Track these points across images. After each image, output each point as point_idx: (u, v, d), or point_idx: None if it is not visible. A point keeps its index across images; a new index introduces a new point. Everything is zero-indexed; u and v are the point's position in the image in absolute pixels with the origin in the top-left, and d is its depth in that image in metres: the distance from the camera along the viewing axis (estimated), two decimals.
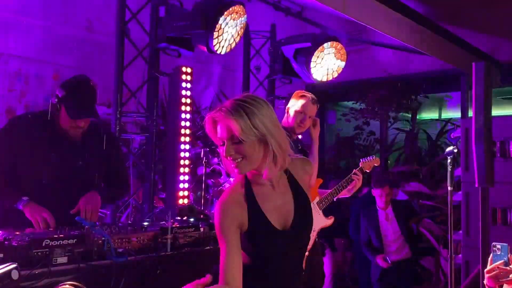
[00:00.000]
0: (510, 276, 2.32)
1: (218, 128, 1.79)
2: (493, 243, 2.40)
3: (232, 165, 1.78)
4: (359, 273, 5.41)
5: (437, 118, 8.82)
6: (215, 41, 3.77)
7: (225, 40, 3.88)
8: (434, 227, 4.83)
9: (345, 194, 3.72)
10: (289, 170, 1.91)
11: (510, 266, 2.33)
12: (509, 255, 2.33)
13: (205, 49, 3.82)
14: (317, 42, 4.64)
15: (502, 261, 2.32)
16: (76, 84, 2.86)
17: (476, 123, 3.76)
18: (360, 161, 3.76)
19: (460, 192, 4.41)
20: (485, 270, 2.35)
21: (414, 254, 4.80)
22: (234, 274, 1.73)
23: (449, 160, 3.00)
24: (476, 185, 3.95)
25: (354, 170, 3.71)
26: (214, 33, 3.74)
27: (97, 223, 2.67)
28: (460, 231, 4.36)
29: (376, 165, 3.81)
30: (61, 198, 2.76)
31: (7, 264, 0.94)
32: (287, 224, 1.86)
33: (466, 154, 4.32)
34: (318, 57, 4.67)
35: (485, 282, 2.39)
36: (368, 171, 3.79)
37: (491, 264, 2.34)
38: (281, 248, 1.85)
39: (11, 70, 4.99)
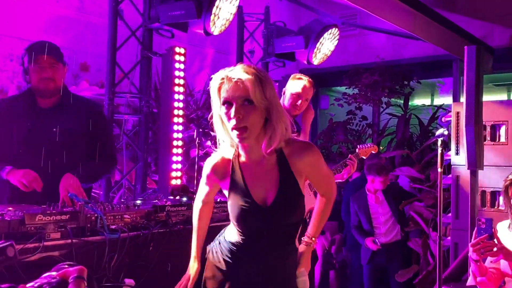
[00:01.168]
0: (494, 249, 2.38)
1: (229, 87, 1.75)
2: (478, 217, 2.45)
3: (234, 134, 1.78)
4: (351, 255, 5.47)
5: (430, 104, 8.87)
6: (211, 24, 3.76)
7: (220, 19, 3.87)
8: (423, 210, 4.88)
9: (338, 178, 3.74)
10: (282, 149, 1.90)
11: (494, 240, 2.39)
12: (493, 229, 2.39)
13: (201, 32, 3.80)
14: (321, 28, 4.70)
15: (487, 234, 2.38)
16: (36, 41, 2.92)
17: (467, 106, 3.80)
18: (357, 147, 3.72)
19: (450, 176, 4.45)
20: (470, 244, 2.41)
21: (404, 237, 4.87)
22: (210, 195, 2.15)
23: (439, 142, 3.03)
24: (467, 168, 4.01)
25: (350, 155, 3.66)
26: (211, 16, 3.72)
27: (90, 201, 2.68)
28: (449, 214, 4.42)
29: (373, 152, 3.79)
30: (41, 169, 2.74)
31: (2, 241, 0.94)
32: (267, 200, 1.88)
33: (457, 138, 4.36)
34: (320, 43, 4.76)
35: (469, 254, 2.45)
36: (364, 157, 3.78)
37: (475, 238, 2.40)
38: (256, 223, 1.90)
39: (3, 50, 4.95)
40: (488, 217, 2.42)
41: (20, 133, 2.82)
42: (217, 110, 1.83)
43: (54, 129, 2.83)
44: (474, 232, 2.42)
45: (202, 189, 2.14)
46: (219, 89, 1.79)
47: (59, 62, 2.86)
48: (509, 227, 2.71)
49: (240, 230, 1.96)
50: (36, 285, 1.07)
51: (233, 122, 1.75)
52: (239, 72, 1.76)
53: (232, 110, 1.74)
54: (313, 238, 2.12)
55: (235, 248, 1.99)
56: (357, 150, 3.70)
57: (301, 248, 2.10)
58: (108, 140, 3.09)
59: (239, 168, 1.91)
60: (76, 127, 2.90)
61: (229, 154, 1.95)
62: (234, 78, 1.75)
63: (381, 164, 4.97)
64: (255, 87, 1.74)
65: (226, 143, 1.91)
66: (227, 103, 1.77)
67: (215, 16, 3.78)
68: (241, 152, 1.92)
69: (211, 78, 1.85)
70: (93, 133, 2.94)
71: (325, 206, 2.12)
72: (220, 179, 1.99)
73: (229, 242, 2.01)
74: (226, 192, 1.99)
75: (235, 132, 1.77)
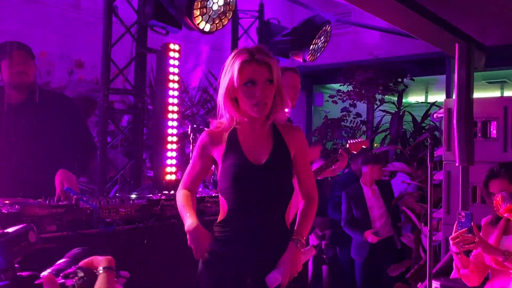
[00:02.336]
0: (473, 243, 2.44)
1: (255, 68, 1.93)
2: (458, 211, 2.51)
3: (256, 109, 1.95)
4: (339, 252, 5.52)
5: (423, 101, 8.94)
6: (198, 19, 3.78)
7: (209, 17, 3.89)
8: (415, 205, 4.94)
9: (329, 173, 3.77)
10: (277, 126, 2.08)
11: (473, 233, 2.45)
12: (472, 223, 2.44)
13: (191, 24, 3.83)
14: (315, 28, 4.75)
15: (466, 228, 2.43)
16: (6, 41, 3.01)
17: (458, 103, 3.85)
18: (347, 142, 3.71)
19: (441, 171, 4.51)
20: (450, 237, 2.47)
21: (396, 232, 4.92)
22: (196, 183, 2.20)
23: (429, 138, 3.08)
24: (457, 164, 4.06)
25: (340, 150, 3.68)
26: (195, 11, 3.74)
27: (85, 195, 2.73)
28: (441, 209, 4.47)
29: (364, 147, 3.81)
30: (18, 165, 2.83)
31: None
32: (261, 160, 2.02)
33: (448, 134, 4.41)
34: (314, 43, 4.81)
35: (450, 248, 2.51)
36: (355, 152, 3.79)
37: (455, 232, 2.45)
38: (250, 180, 2.00)
39: None
40: (467, 211, 2.48)
41: None
42: (230, 89, 1.97)
43: (24, 123, 2.91)
44: (454, 226, 2.48)
45: (190, 172, 2.18)
46: (242, 67, 1.94)
47: (31, 58, 2.96)
48: (490, 222, 2.76)
49: (233, 195, 2.02)
50: (56, 272, 1.03)
51: (257, 99, 1.93)
52: (263, 54, 1.95)
53: (257, 90, 1.93)
54: (300, 237, 2.08)
55: (227, 223, 2.05)
56: (347, 145, 3.69)
57: (291, 246, 2.07)
58: (81, 127, 3.14)
59: (235, 135, 2.05)
60: (47, 119, 2.97)
61: (226, 127, 2.07)
62: (260, 60, 1.94)
63: (376, 153, 5.03)
64: (276, 68, 1.96)
65: (226, 118, 2.04)
66: (251, 82, 1.93)
67: (201, 13, 3.79)
68: (241, 122, 2.04)
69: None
70: (64, 122, 3.00)
71: (309, 206, 2.17)
72: (215, 146, 2.07)
73: (219, 224, 2.08)
74: (219, 162, 2.07)
75: (256, 108, 1.95)
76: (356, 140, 3.75)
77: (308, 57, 4.94)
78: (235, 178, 2.00)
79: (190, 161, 2.18)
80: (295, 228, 2.14)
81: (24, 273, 0.86)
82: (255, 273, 2.02)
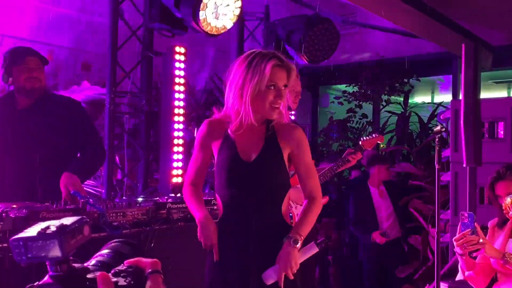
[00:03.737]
0: (477, 244, 2.41)
1: (282, 74, 2.05)
2: (461, 212, 2.48)
3: (273, 111, 2.06)
4: (347, 253, 5.51)
5: (430, 101, 8.90)
6: (203, 21, 3.78)
7: (219, 20, 3.89)
8: (422, 207, 4.91)
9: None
10: (275, 126, 2.14)
11: (477, 234, 2.42)
12: (475, 223, 2.42)
13: (196, 26, 3.83)
14: (310, 24, 4.68)
15: (469, 229, 2.41)
16: (16, 47, 3.09)
17: (465, 104, 3.83)
18: (360, 140, 3.54)
19: (449, 172, 4.48)
20: (454, 238, 2.44)
21: (404, 233, 4.90)
22: (200, 176, 2.23)
23: (436, 139, 3.05)
24: (464, 165, 4.04)
25: (349, 149, 3.52)
26: (201, 12, 3.74)
27: (92, 198, 2.72)
28: (449, 211, 4.45)
29: (379, 142, 3.71)
30: (26, 169, 2.85)
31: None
32: (251, 157, 2.09)
33: (455, 135, 4.38)
34: (312, 39, 4.73)
35: (454, 249, 2.48)
36: (369, 149, 3.68)
37: (459, 233, 2.43)
38: (240, 176, 2.08)
39: (5, 51, 5.00)
40: (470, 212, 2.45)
41: (1, 135, 2.92)
42: (252, 89, 2.02)
43: (33, 127, 2.93)
44: (458, 227, 2.46)
45: (193, 165, 2.23)
46: (268, 69, 2.01)
47: (44, 64, 3.00)
48: (497, 224, 2.73)
49: (226, 191, 2.09)
50: (102, 265, 1.03)
51: (278, 102, 2.05)
52: (289, 64, 2.09)
53: (282, 94, 2.06)
54: (297, 234, 2.05)
55: (223, 220, 2.13)
56: (360, 143, 3.52)
57: (285, 244, 2.06)
58: (90, 131, 3.13)
59: (232, 132, 2.12)
60: (55, 123, 2.98)
61: (227, 119, 2.14)
62: (288, 69, 2.06)
63: (382, 154, 5.00)
64: (294, 75, 2.10)
65: (232, 114, 2.09)
66: (274, 85, 2.04)
67: (207, 15, 3.79)
68: (242, 119, 2.08)
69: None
70: (72, 127, 3.01)
71: (311, 206, 2.16)
72: (213, 137, 2.15)
73: (218, 222, 2.14)
74: (215, 155, 2.15)
75: (273, 109, 2.06)
76: (369, 136, 3.57)
77: (305, 57, 4.85)
78: (227, 173, 2.08)
79: (192, 154, 2.24)
80: (296, 223, 2.15)
81: (76, 265, 0.87)
82: (259, 267, 2.04)
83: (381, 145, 7.37)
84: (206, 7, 3.77)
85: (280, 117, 2.13)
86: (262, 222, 2.07)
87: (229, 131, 2.12)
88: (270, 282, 1.99)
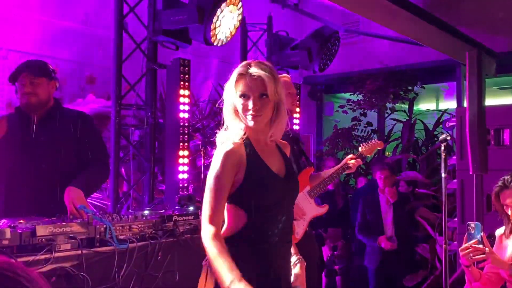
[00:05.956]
0: (482, 255, 2.39)
1: (248, 82, 1.94)
2: (468, 222, 2.47)
3: (249, 119, 1.95)
4: (357, 260, 5.49)
5: (435, 108, 8.89)
6: (212, 33, 3.83)
7: (222, 32, 3.94)
8: (430, 215, 4.90)
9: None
10: (276, 142, 2.13)
11: (483, 244, 2.40)
12: (482, 234, 2.40)
13: (202, 40, 3.87)
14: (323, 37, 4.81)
15: (476, 239, 2.39)
16: (23, 62, 3.08)
17: (469, 111, 3.83)
18: (360, 146, 3.57)
19: (455, 180, 4.47)
20: (459, 249, 2.42)
21: (411, 242, 4.88)
22: (222, 216, 1.95)
23: (442, 148, 3.06)
24: (471, 173, 4.03)
25: (350, 155, 3.49)
26: (211, 25, 3.79)
27: (98, 212, 2.74)
28: (456, 219, 4.43)
29: (379, 148, 3.65)
30: (34, 181, 2.88)
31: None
32: (281, 172, 2.04)
33: (461, 143, 4.38)
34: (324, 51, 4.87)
35: (460, 260, 2.46)
36: (369, 155, 3.67)
37: (465, 243, 2.41)
38: (279, 192, 2.00)
39: (10, 65, 5.04)
40: (477, 222, 2.44)
41: (14, 146, 2.96)
42: (231, 100, 1.99)
43: (42, 140, 2.95)
44: (464, 237, 2.44)
45: (215, 203, 1.91)
46: (237, 82, 1.97)
47: (39, 77, 2.98)
48: (504, 233, 2.71)
49: (262, 208, 1.94)
50: None
51: (250, 112, 1.94)
52: (257, 69, 1.95)
53: (250, 103, 1.94)
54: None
55: (252, 239, 1.95)
56: (360, 149, 3.54)
57: (301, 266, 2.09)
58: (97, 146, 3.14)
59: (252, 148, 2.00)
60: (63, 136, 3.00)
61: (236, 138, 1.99)
62: (254, 75, 1.94)
63: (383, 160, 5.02)
64: (271, 83, 1.95)
65: (234, 128, 2.01)
66: (244, 96, 1.95)
67: (216, 26, 3.84)
68: (251, 136, 2.02)
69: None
70: (80, 140, 3.03)
71: None
72: (236, 164, 1.94)
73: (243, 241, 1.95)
74: (240, 178, 1.95)
75: (250, 117, 1.95)
76: (369, 142, 3.60)
77: (318, 68, 4.96)
78: (265, 191, 1.96)
79: (210, 190, 1.92)
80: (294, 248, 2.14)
81: None
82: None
83: (387, 153, 7.37)
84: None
85: (280, 131, 2.07)
86: (287, 243, 2.06)
87: (249, 148, 1.98)
88: None
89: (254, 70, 1.95)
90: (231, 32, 4.02)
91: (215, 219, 1.90)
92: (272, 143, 2.10)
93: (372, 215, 4.82)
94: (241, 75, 1.96)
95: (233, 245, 1.91)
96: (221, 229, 1.94)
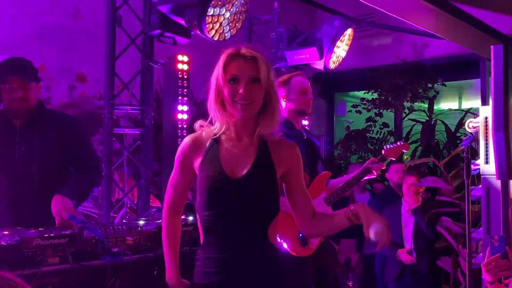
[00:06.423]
0: (508, 270, 2.36)
1: (240, 64, 1.93)
2: (492, 234, 2.44)
3: (238, 107, 1.93)
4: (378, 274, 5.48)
5: (457, 108, 8.87)
6: (209, 26, 3.83)
7: (221, 25, 3.93)
8: (452, 225, 4.87)
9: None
10: (266, 141, 2.04)
11: (508, 259, 2.37)
12: (507, 247, 2.37)
13: (197, 31, 3.87)
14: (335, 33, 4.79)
15: (500, 253, 2.36)
16: (6, 59, 3.04)
17: (495, 110, 3.81)
18: (383, 149, 3.60)
19: (480, 186, 4.45)
20: (482, 264, 2.40)
21: (431, 254, 4.85)
22: (180, 194, 2.16)
23: (465, 151, 3.04)
24: (497, 178, 4.01)
25: (371, 158, 3.54)
26: (207, 17, 3.78)
27: (89, 222, 2.75)
28: (480, 229, 4.41)
29: (405, 151, 3.67)
30: (20, 190, 2.91)
31: None
32: (238, 174, 1.99)
33: (486, 145, 4.36)
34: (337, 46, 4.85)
35: (483, 276, 2.43)
36: (393, 159, 3.68)
37: (489, 257, 2.38)
38: (221, 193, 1.97)
39: None
40: (502, 234, 2.41)
41: None
42: (218, 87, 1.97)
43: (25, 148, 2.95)
44: (487, 251, 2.42)
45: (173, 184, 2.15)
46: (227, 64, 1.95)
47: (31, 81, 2.97)
48: None
49: (207, 212, 1.98)
50: None
51: (240, 97, 1.92)
52: (250, 50, 1.95)
53: (240, 88, 1.92)
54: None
55: (203, 248, 2.05)
56: (383, 152, 3.57)
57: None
58: (86, 151, 3.16)
59: (217, 143, 2.03)
60: (49, 142, 3.00)
61: (210, 133, 2.05)
62: (247, 55, 1.93)
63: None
64: (264, 66, 1.94)
65: (218, 121, 2.02)
66: (235, 79, 1.93)
67: (213, 21, 3.84)
68: (228, 130, 2.02)
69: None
70: (67, 146, 3.03)
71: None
72: (195, 153, 2.04)
73: (199, 249, 2.08)
74: (197, 172, 2.05)
75: (239, 106, 1.93)
76: (393, 145, 3.62)
77: (329, 64, 4.96)
78: (210, 192, 1.97)
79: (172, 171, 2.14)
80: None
81: None
82: None
83: (405, 157, 7.35)
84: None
85: (273, 127, 2.03)
86: (245, 250, 1.99)
87: (212, 143, 2.02)
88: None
89: (247, 51, 1.94)
90: (236, 25, 4.02)
91: (169, 198, 2.18)
92: (254, 139, 2.02)
93: (392, 225, 4.80)
94: (231, 57, 1.94)
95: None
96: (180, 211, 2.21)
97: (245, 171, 1.98)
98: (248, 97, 1.92)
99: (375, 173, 3.47)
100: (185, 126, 4.35)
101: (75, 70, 5.63)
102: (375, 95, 7.28)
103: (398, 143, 3.62)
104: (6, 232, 2.29)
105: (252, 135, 2.01)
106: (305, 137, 3.48)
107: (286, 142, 2.11)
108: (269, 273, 2.00)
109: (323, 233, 2.74)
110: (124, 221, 4.06)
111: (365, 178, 3.52)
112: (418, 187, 4.87)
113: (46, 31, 5.35)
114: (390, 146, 3.61)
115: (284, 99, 3.43)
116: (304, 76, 3.50)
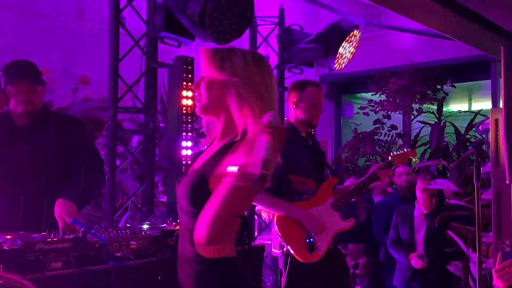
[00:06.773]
0: None
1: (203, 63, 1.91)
2: (502, 238, 2.43)
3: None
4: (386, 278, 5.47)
5: (467, 110, 8.84)
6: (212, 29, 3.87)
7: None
8: (462, 229, 4.85)
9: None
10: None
11: None
12: None
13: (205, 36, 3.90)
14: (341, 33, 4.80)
15: (511, 259, 2.35)
16: (13, 61, 3.09)
17: (506, 112, 3.79)
18: (390, 155, 3.61)
19: (490, 190, 4.43)
20: (493, 270, 2.38)
21: (441, 259, 4.84)
22: None
23: (475, 153, 3.03)
24: (507, 182, 3.99)
25: (378, 164, 3.55)
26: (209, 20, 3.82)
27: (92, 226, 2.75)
28: (491, 233, 4.39)
29: (412, 157, 3.71)
30: (21, 191, 2.92)
31: None
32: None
33: (496, 148, 4.34)
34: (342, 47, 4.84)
35: (494, 282, 2.42)
36: (401, 165, 3.70)
37: (500, 263, 2.37)
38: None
39: (0, 63, 5.10)
40: None
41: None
42: None
43: (26, 149, 2.97)
44: (498, 257, 2.41)
45: None
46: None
47: (38, 85, 3.03)
48: None
49: None
50: None
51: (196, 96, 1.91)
52: (203, 51, 1.88)
53: (196, 85, 1.91)
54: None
55: None
56: (390, 158, 3.57)
57: None
58: (89, 153, 3.17)
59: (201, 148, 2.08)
60: (53, 143, 3.03)
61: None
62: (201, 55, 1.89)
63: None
64: (207, 61, 1.85)
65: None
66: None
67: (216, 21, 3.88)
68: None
69: None
70: (71, 148, 3.06)
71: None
72: None
73: None
74: None
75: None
76: (400, 151, 3.62)
77: (335, 65, 4.95)
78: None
79: None
80: None
81: None
82: None
83: (414, 160, 7.33)
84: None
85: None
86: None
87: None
88: None
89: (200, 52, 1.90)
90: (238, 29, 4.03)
91: None
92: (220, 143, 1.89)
93: (404, 230, 4.81)
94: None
95: None
96: None
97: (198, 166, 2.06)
98: (198, 98, 1.91)
99: (382, 179, 3.47)
100: (189, 128, 4.35)
101: (79, 72, 5.66)
102: (383, 97, 7.27)
103: (405, 149, 3.61)
104: (8, 237, 2.30)
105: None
106: (310, 144, 3.49)
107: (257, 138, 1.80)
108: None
109: None
110: (127, 225, 4.06)
111: (373, 184, 3.53)
112: (432, 190, 4.86)
113: (49, 33, 5.38)
114: (396, 153, 3.61)
115: (294, 105, 3.43)
116: (319, 88, 3.48)
